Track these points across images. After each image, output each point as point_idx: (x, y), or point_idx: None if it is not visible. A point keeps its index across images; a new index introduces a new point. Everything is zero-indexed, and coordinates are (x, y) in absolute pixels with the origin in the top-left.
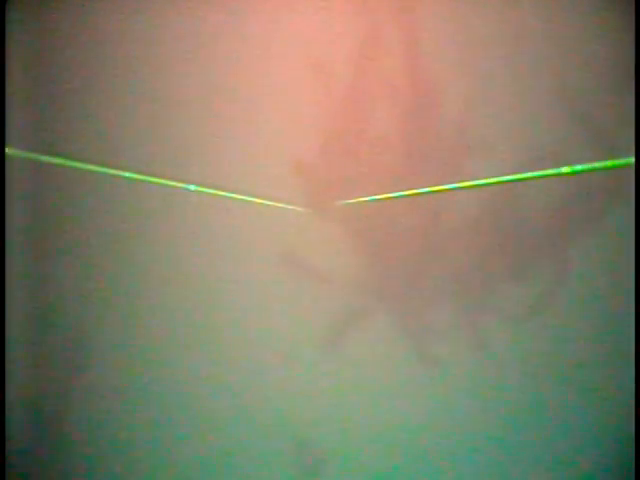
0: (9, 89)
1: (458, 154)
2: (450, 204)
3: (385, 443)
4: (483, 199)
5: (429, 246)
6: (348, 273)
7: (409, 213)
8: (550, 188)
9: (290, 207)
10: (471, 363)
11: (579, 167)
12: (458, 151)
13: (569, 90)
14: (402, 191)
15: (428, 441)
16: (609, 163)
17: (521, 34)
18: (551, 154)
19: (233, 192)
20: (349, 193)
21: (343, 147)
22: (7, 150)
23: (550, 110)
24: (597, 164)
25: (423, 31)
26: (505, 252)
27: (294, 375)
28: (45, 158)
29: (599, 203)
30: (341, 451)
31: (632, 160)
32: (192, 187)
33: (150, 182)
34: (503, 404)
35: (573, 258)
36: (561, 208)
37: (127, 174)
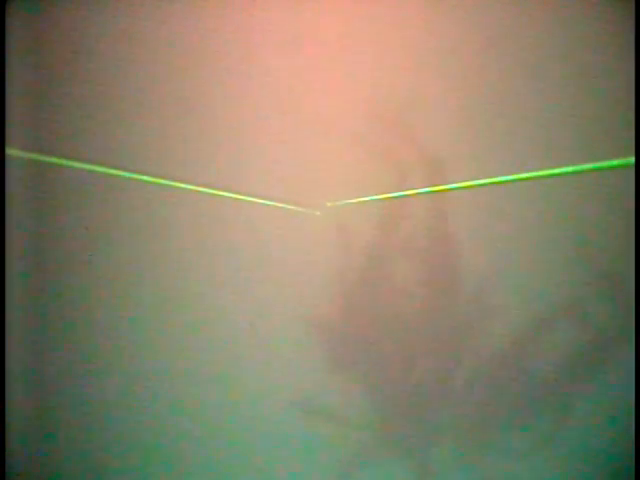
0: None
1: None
2: (460, 355)
3: None
4: (492, 349)
5: (435, 388)
6: (353, 410)
7: (419, 361)
8: (557, 338)
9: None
10: None
11: (580, 167)
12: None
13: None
14: None
15: None
16: (609, 163)
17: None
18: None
19: (231, 192)
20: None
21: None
22: (7, 150)
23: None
24: (597, 164)
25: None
26: (509, 394)
27: None
28: (45, 158)
29: (603, 351)
30: None
31: (632, 160)
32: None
33: (150, 183)
34: None
35: (575, 400)
36: (567, 356)
37: (127, 174)
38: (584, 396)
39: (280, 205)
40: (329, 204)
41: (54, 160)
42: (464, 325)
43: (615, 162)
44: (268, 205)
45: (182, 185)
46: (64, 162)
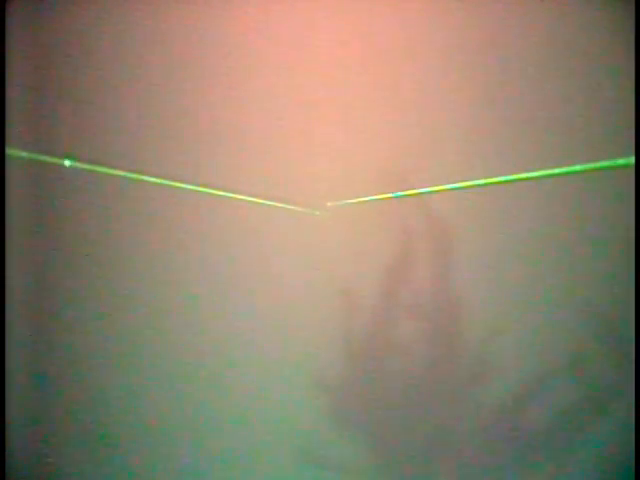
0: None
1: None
2: (461, 409)
3: None
4: (491, 405)
5: (437, 441)
6: (356, 462)
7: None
8: (555, 393)
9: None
10: None
11: (579, 167)
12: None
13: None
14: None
15: None
16: (609, 163)
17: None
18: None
19: (231, 192)
20: None
21: None
22: (7, 150)
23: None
24: (597, 164)
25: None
26: (507, 447)
27: None
28: (45, 158)
29: (600, 406)
30: None
31: (632, 160)
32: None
33: (150, 183)
34: None
35: (571, 455)
36: (564, 412)
37: (127, 174)
38: (580, 451)
39: (280, 205)
40: (329, 204)
41: (54, 160)
42: (465, 380)
43: (615, 162)
44: (268, 205)
45: (182, 185)
46: (64, 162)
